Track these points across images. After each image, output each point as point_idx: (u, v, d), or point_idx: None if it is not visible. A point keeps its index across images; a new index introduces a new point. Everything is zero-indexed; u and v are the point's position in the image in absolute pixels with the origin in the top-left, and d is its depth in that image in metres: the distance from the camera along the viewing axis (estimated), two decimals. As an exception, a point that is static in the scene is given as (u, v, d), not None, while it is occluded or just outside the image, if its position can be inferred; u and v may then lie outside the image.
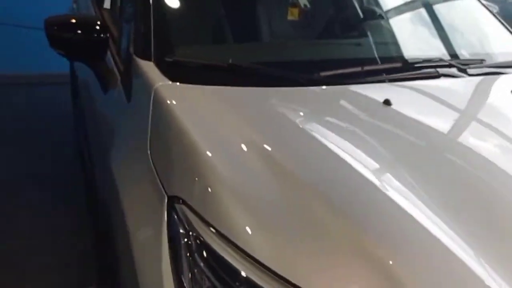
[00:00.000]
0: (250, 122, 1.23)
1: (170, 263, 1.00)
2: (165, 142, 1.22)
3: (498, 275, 0.87)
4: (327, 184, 1.05)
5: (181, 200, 1.05)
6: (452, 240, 0.92)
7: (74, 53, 1.68)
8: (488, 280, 0.86)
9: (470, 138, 1.29)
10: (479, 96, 1.51)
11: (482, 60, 1.65)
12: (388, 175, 1.10)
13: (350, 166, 1.10)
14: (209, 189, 1.04)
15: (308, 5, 1.93)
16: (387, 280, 0.86)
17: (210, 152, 1.11)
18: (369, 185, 1.04)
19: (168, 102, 1.27)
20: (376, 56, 1.60)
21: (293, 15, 1.95)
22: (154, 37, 1.50)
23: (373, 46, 1.68)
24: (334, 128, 1.26)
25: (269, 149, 1.13)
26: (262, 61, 1.51)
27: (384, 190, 1.03)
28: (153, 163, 1.18)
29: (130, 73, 1.51)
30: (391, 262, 0.88)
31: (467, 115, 1.42)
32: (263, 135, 1.18)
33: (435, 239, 0.93)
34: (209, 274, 0.95)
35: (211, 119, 1.23)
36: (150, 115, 1.28)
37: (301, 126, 1.25)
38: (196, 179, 1.07)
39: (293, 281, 0.87)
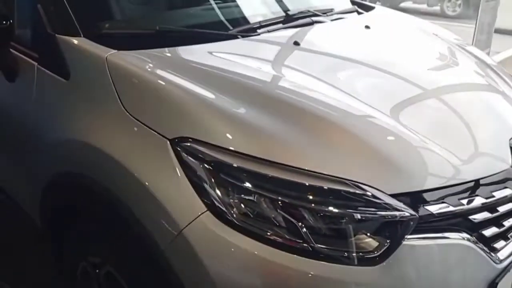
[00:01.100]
0: (206, 70, 1.45)
1: (196, 192, 1.18)
2: (144, 98, 1.35)
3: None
4: (285, 96, 1.41)
5: (186, 138, 1.23)
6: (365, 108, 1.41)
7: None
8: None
9: (356, 53, 1.78)
10: (347, 30, 2.03)
11: (332, 9, 2.12)
12: (319, 82, 1.51)
13: (294, 83, 1.47)
14: (209, 122, 1.25)
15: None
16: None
17: (191, 94, 1.31)
18: (310, 92, 1.44)
19: (129, 66, 1.40)
20: (272, 12, 1.94)
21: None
22: (74, 14, 1.56)
23: (270, 5, 2.01)
24: (270, 63, 1.59)
25: (229, 79, 1.42)
26: (186, 24, 1.73)
27: (320, 91, 1.44)
28: (136, 119, 1.31)
29: (56, 53, 1.54)
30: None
31: (344, 39, 1.93)
32: (219, 76, 1.44)
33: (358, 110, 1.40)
34: (235, 185, 1.17)
35: (172, 71, 1.40)
36: (112, 81, 1.38)
37: (246, 64, 1.54)
38: (194, 117, 1.26)
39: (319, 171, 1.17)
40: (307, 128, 1.28)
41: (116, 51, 1.45)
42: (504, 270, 1.33)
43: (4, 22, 1.58)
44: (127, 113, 1.33)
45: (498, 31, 5.55)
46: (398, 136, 1.32)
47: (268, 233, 1.15)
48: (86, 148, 1.39)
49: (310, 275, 1.12)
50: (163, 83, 1.36)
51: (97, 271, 1.53)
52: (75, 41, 1.51)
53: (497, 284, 1.31)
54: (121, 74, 1.39)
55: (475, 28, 4.88)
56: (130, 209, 1.28)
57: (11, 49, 1.66)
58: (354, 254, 1.14)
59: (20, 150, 1.79)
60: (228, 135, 1.23)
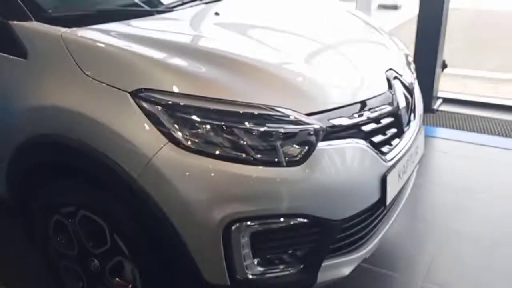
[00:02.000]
0: (147, 37, 1.76)
1: (157, 129, 1.50)
2: (100, 62, 1.62)
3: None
4: (215, 50, 1.75)
5: (143, 89, 1.53)
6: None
7: None
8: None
9: (262, 16, 2.21)
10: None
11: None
12: (240, 38, 1.91)
13: (220, 41, 1.84)
14: (158, 75, 1.56)
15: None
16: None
17: (139, 55, 1.61)
18: (233, 45, 1.80)
19: (83, 39, 1.67)
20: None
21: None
22: (23, 2, 1.78)
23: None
24: (200, 28, 1.96)
25: (168, 42, 1.76)
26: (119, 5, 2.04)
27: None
28: (97, 80, 1.59)
29: (11, 37, 1.75)
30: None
31: (249, 8, 2.33)
32: (157, 39, 1.76)
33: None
34: (186, 119, 1.50)
35: (119, 40, 1.69)
36: (69, 53, 1.64)
37: (179, 29, 1.90)
38: (146, 72, 1.57)
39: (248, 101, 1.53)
40: (234, 71, 1.63)
41: (67, 29, 1.71)
42: (391, 167, 1.79)
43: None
44: (88, 77, 1.60)
45: (380, 6, 6.25)
46: (304, 72, 1.73)
47: (218, 152, 1.49)
48: (57, 110, 1.63)
49: (254, 177, 1.49)
50: (115, 48, 1.64)
51: (70, 220, 1.80)
52: (29, 25, 1.74)
53: (386, 176, 1.76)
54: (77, 47, 1.65)
55: (356, 5, 5.54)
56: (102, 152, 1.56)
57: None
58: (282, 159, 1.52)
59: None
60: (174, 82, 1.55)
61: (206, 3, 2.18)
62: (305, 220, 1.57)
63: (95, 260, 1.80)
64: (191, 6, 2.11)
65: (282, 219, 1.55)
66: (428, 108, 3.86)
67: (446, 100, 4.27)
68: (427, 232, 2.56)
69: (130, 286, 1.78)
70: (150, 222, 1.56)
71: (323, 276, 1.69)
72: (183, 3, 2.11)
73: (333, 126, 1.61)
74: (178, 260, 1.59)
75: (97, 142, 1.57)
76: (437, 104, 4.15)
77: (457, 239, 2.49)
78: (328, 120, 1.61)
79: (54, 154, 1.73)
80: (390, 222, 1.96)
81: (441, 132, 3.79)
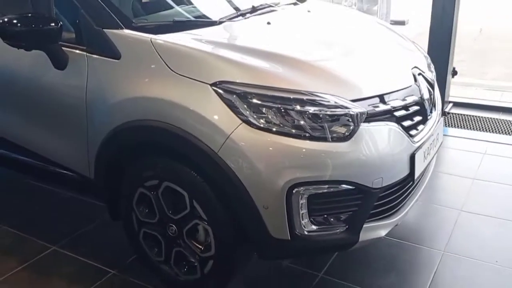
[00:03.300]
0: (217, 41, 2.11)
1: (233, 113, 1.83)
2: (185, 61, 1.95)
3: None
4: (271, 50, 2.09)
5: (220, 81, 1.87)
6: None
7: (32, 43, 2.13)
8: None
9: (307, 25, 2.58)
10: (296, 13, 2.78)
11: (279, 2, 2.84)
12: (290, 41, 2.27)
13: (274, 44, 2.19)
14: (232, 69, 1.90)
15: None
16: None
17: (216, 55, 1.97)
18: (287, 47, 2.14)
19: (169, 43, 2.01)
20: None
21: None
22: (115, 14, 2.14)
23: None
24: (258, 34, 2.32)
25: (234, 44, 2.15)
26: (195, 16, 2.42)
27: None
28: (182, 75, 1.93)
29: (106, 42, 2.10)
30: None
31: (296, 18, 2.69)
32: (226, 42, 2.12)
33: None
34: (255, 104, 1.84)
35: (199, 43, 2.04)
36: (159, 55, 1.98)
37: (243, 35, 2.25)
38: (222, 68, 1.91)
39: (302, 89, 1.86)
40: (289, 66, 1.96)
41: (154, 35, 2.06)
42: (418, 148, 2.11)
43: (55, 24, 2.11)
44: (174, 72, 1.94)
45: (392, 21, 6.58)
46: (349, 67, 2.08)
47: (278, 129, 1.82)
48: (147, 100, 1.97)
49: (306, 149, 1.81)
50: (195, 50, 1.99)
51: (153, 192, 2.12)
52: (121, 32, 2.10)
53: (414, 155, 2.07)
54: (165, 49, 2.00)
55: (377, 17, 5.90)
56: (187, 131, 1.89)
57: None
58: (329, 136, 1.84)
59: (69, 120, 2.28)
60: (243, 75, 1.89)
61: (257, 15, 2.53)
62: (350, 187, 1.89)
63: (173, 225, 2.12)
64: (246, 18, 2.46)
65: (331, 185, 1.87)
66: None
67: (456, 104, 4.58)
68: (445, 211, 2.87)
69: (203, 246, 2.09)
70: (227, 188, 1.89)
71: (364, 236, 1.99)
72: (240, 15, 2.46)
73: (372, 111, 1.94)
74: (248, 219, 1.91)
75: (183, 123, 1.90)
76: (448, 107, 4.46)
77: (471, 217, 2.79)
78: (368, 105, 1.94)
79: (144, 135, 2.05)
80: (417, 196, 2.27)
81: (452, 131, 4.10)
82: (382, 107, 1.98)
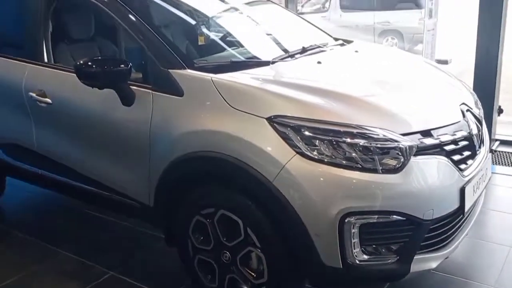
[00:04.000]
0: (272, 79, 2.23)
1: (287, 144, 1.93)
2: (243, 97, 2.09)
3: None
4: (322, 86, 2.21)
5: (275, 115, 1.98)
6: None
7: (104, 82, 2.33)
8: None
9: (355, 64, 2.68)
10: (344, 53, 2.89)
11: (327, 43, 2.97)
12: (340, 79, 2.37)
13: (325, 81, 2.29)
14: (286, 105, 2.01)
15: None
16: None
17: (271, 92, 2.09)
18: (337, 84, 2.24)
19: (227, 80, 2.16)
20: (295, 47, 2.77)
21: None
22: (178, 56, 2.32)
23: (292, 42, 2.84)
24: (309, 72, 2.43)
25: (287, 81, 2.26)
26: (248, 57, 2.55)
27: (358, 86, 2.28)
28: (239, 110, 2.05)
29: (170, 81, 2.27)
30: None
31: (344, 58, 2.80)
32: (281, 80, 2.23)
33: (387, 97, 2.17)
34: (308, 136, 1.93)
35: (255, 81, 2.17)
36: (219, 92, 2.12)
37: (295, 72, 2.38)
38: (277, 104, 2.02)
39: (352, 123, 1.95)
40: (339, 101, 2.06)
41: (214, 74, 2.21)
42: (468, 182, 2.13)
43: (125, 65, 2.31)
44: (233, 108, 2.07)
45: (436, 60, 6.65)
46: (400, 103, 2.16)
47: (330, 160, 1.90)
48: (207, 132, 2.11)
49: (357, 180, 1.88)
50: (252, 87, 2.12)
51: (209, 219, 2.22)
52: (184, 72, 2.26)
53: (464, 188, 2.09)
54: (224, 87, 2.14)
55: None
56: (244, 162, 1.99)
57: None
58: (379, 167, 1.90)
59: (133, 151, 2.44)
60: (296, 110, 1.99)
61: (307, 55, 2.66)
62: (401, 218, 1.93)
63: (227, 252, 2.20)
64: (297, 58, 2.59)
65: (382, 215, 1.92)
66: (486, 148, 4.13)
67: (503, 142, 4.53)
68: (494, 248, 2.82)
69: (256, 273, 2.16)
70: (281, 216, 1.97)
71: (415, 267, 2.01)
72: (291, 55, 2.60)
73: (422, 145, 1.99)
74: (301, 246, 1.97)
75: (239, 154, 2.01)
76: (495, 145, 4.41)
77: (523, 255, 2.73)
78: (419, 139, 1.99)
79: (202, 165, 2.18)
80: (467, 230, 2.27)
81: (500, 169, 4.04)
82: (432, 141, 2.03)
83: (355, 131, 1.93)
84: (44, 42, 2.83)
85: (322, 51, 2.77)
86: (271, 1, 3.62)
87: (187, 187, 2.28)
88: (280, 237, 2.02)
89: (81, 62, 2.27)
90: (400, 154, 1.92)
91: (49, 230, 3.28)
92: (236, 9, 3.28)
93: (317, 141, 1.93)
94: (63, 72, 2.69)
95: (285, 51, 2.71)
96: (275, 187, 1.94)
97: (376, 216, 1.91)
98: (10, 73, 2.95)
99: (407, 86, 2.42)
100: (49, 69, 2.79)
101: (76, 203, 3.42)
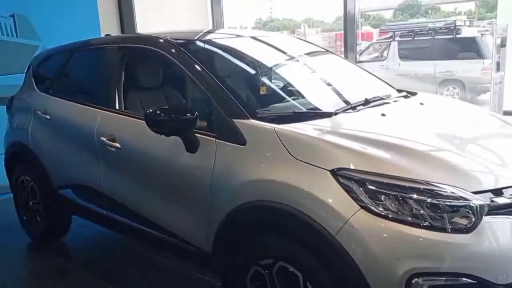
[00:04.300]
0: (336, 130, 2.23)
1: (351, 198, 1.89)
2: (306, 148, 2.08)
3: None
4: (387, 139, 2.17)
5: (339, 168, 1.96)
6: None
7: (172, 130, 2.41)
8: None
9: (421, 116, 2.65)
10: (408, 105, 2.86)
11: (390, 95, 2.94)
12: (404, 132, 2.32)
13: (389, 134, 2.24)
14: (350, 158, 1.99)
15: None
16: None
17: (335, 144, 2.07)
18: (402, 138, 2.19)
19: (291, 131, 2.18)
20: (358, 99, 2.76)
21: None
22: (243, 107, 2.37)
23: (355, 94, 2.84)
24: (373, 125, 2.39)
25: (349, 133, 2.22)
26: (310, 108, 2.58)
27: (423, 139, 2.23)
28: (303, 161, 2.05)
29: (234, 130, 2.32)
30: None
31: (409, 110, 2.76)
32: (344, 132, 2.22)
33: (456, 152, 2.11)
34: (374, 191, 1.88)
35: (318, 132, 2.18)
36: (282, 143, 2.14)
37: (357, 124, 2.37)
38: (341, 156, 2.00)
39: (418, 178, 1.89)
40: (406, 155, 2.01)
41: (277, 124, 2.24)
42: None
43: (191, 114, 2.38)
44: (296, 159, 2.08)
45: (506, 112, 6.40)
46: (471, 159, 2.08)
47: (397, 216, 1.84)
48: (269, 182, 2.11)
49: (424, 239, 1.80)
50: (315, 139, 2.12)
51: (267, 270, 2.18)
52: (248, 122, 2.31)
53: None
54: (287, 137, 2.16)
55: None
56: (306, 214, 1.97)
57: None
58: (448, 226, 1.82)
59: (195, 197, 2.48)
60: (361, 163, 1.97)
61: (370, 107, 2.65)
62: (472, 281, 1.81)
63: (286, 306, 2.15)
64: (360, 110, 2.59)
65: (451, 277, 1.81)
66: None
67: None
68: None
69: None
70: (343, 271, 1.91)
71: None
72: (354, 107, 2.59)
73: (495, 204, 1.89)
74: (364, 305, 1.89)
75: (301, 206, 1.99)
76: None
77: None
78: (490, 198, 1.90)
79: (263, 215, 2.17)
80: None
81: None
82: (504, 200, 1.92)
83: (422, 187, 1.87)
84: (116, 90, 3.00)
85: (386, 103, 2.75)
86: (331, 52, 3.67)
87: (246, 235, 2.27)
88: (342, 294, 1.96)
89: (151, 110, 2.37)
90: (471, 213, 1.84)
91: (109, 270, 3.35)
92: (297, 59, 3.35)
93: (383, 195, 1.88)
94: (133, 119, 2.82)
95: (348, 102, 2.71)
96: (338, 241, 1.90)
97: (444, 278, 1.81)
98: (85, 118, 3.13)
99: (475, 141, 2.34)
100: (120, 115, 2.94)
101: (136, 244, 3.50)
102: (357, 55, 10.44)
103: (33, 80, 3.85)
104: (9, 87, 4.26)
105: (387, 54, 10.61)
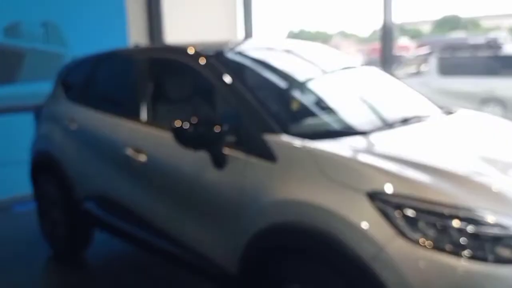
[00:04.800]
0: (377, 152, 2.15)
1: (387, 223, 1.82)
2: (340, 168, 2.03)
3: None
4: (427, 161, 2.08)
5: (375, 191, 1.89)
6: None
7: (200, 144, 2.39)
8: None
9: (464, 135, 2.56)
10: (450, 123, 2.77)
11: (429, 113, 2.86)
12: (447, 153, 2.23)
13: (429, 154, 2.17)
14: (387, 179, 1.92)
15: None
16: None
17: (372, 166, 2.00)
18: (443, 159, 2.11)
19: (324, 150, 2.13)
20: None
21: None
22: (273, 120, 2.34)
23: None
24: (411, 143, 2.34)
25: (388, 154, 2.13)
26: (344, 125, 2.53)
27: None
28: (337, 182, 1.99)
29: (262, 146, 2.27)
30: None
31: (454, 129, 2.70)
32: (384, 153, 2.12)
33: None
34: (410, 218, 1.81)
35: (352, 151, 2.12)
36: (314, 161, 2.09)
37: (394, 144, 2.29)
38: (378, 177, 1.93)
39: (459, 204, 1.81)
40: (447, 180, 1.92)
41: (310, 142, 2.19)
42: None
43: (220, 128, 2.34)
44: (329, 179, 2.02)
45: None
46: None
47: (438, 245, 1.76)
48: (300, 203, 2.06)
49: (464, 270, 1.72)
50: (350, 159, 2.06)
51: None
52: (279, 138, 2.26)
53: None
54: (320, 155, 2.10)
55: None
56: (338, 239, 1.91)
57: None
58: (497, 257, 1.72)
59: (221, 215, 2.44)
60: (400, 187, 1.89)
61: (410, 125, 2.57)
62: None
63: (313, 334, 2.07)
64: (396, 128, 2.51)
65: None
66: None
67: None
68: None
69: None
70: (377, 301, 1.83)
71: None
72: (391, 125, 2.52)
73: None
74: None
75: (333, 229, 1.93)
76: None
77: None
78: None
79: (292, 237, 2.11)
80: None
81: None
82: None
83: (463, 214, 1.79)
84: (143, 102, 3.01)
85: (426, 121, 2.67)
86: (370, 65, 3.59)
87: (273, 258, 2.21)
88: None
89: (178, 123, 2.36)
90: None
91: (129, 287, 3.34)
92: (334, 72, 3.29)
93: (420, 222, 1.81)
94: (160, 131, 2.82)
95: (385, 120, 2.64)
96: (371, 268, 1.82)
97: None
98: (111, 129, 3.16)
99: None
100: (147, 128, 2.94)
101: (156, 261, 3.48)
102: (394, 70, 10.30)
103: (61, 88, 3.92)
104: (39, 96, 4.35)
105: (425, 69, 10.43)
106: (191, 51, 2.84)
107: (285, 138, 2.26)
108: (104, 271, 3.67)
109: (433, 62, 10.35)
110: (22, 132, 4.37)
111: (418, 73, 10.67)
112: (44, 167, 3.85)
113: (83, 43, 5.19)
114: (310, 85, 3.07)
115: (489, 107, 9.86)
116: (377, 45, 8.85)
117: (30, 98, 4.90)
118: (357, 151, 2.14)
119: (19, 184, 4.51)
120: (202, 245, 2.60)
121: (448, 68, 10.23)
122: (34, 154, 3.98)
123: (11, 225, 4.57)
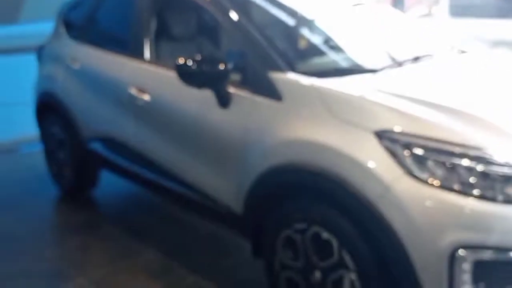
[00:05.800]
0: (382, 90, 2.07)
1: (394, 161, 1.78)
2: (348, 107, 1.97)
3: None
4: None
5: (384, 130, 1.84)
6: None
7: (203, 82, 2.32)
8: None
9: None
10: (462, 62, 2.71)
11: (440, 51, 2.75)
12: (458, 92, 2.18)
13: (436, 93, 2.10)
14: (395, 118, 1.86)
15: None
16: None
17: (379, 103, 1.94)
18: (455, 98, 2.05)
19: (331, 88, 2.06)
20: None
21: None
22: (278, 57, 2.26)
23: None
24: (425, 84, 2.25)
25: (396, 92, 2.04)
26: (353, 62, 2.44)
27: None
28: (344, 121, 1.94)
29: (267, 84, 2.21)
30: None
31: (463, 67, 2.63)
32: (389, 91, 2.05)
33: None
34: (418, 155, 1.77)
35: (361, 89, 2.05)
36: (320, 99, 2.03)
37: (405, 82, 2.24)
38: (387, 116, 1.88)
39: (469, 143, 1.75)
40: (455, 118, 1.86)
41: (316, 79, 2.11)
42: None
43: (225, 66, 2.27)
44: (335, 118, 1.97)
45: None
46: None
47: (446, 184, 1.72)
48: (306, 143, 2.02)
49: (471, 209, 1.69)
50: (359, 97, 2.00)
51: (300, 235, 2.12)
52: (285, 76, 2.19)
53: None
54: (327, 94, 2.04)
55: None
56: (344, 178, 1.88)
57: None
58: (499, 196, 1.69)
59: (226, 155, 2.40)
60: (407, 125, 1.84)
61: (421, 63, 2.49)
62: (524, 257, 1.70)
63: (318, 273, 2.09)
64: (407, 66, 2.43)
65: (500, 252, 1.70)
66: None
67: None
68: None
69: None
70: (382, 240, 1.82)
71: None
72: (401, 63, 2.43)
73: None
74: (403, 276, 1.81)
75: (340, 169, 1.90)
76: None
77: None
78: None
79: (298, 177, 2.09)
80: None
81: None
82: None
83: (473, 153, 1.74)
84: (147, 40, 2.92)
85: (437, 59, 2.57)
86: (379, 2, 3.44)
87: (279, 198, 2.20)
88: (379, 263, 1.88)
89: (181, 60, 2.28)
90: None
91: (136, 227, 3.38)
92: (341, 11, 3.15)
93: (429, 161, 1.76)
94: (163, 70, 2.74)
95: (395, 58, 2.55)
96: (378, 208, 1.80)
97: (491, 252, 1.71)
98: (113, 68, 3.08)
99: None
100: (150, 66, 2.86)
101: (163, 202, 3.51)
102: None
103: (63, 27, 3.81)
104: (40, 36, 4.24)
105: (436, 10, 10.11)
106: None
107: (292, 76, 2.19)
108: (112, 210, 3.72)
109: (444, 3, 10.02)
110: (28, 72, 4.29)
111: (429, 15, 10.35)
112: (48, 108, 3.81)
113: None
114: (319, 23, 2.95)
115: (500, 49, 9.61)
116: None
117: (33, 38, 4.79)
118: (365, 89, 2.07)
119: (25, 126, 4.49)
120: (207, 185, 2.59)
121: (460, 9, 9.92)
122: (37, 95, 3.93)
123: (19, 165, 4.58)
